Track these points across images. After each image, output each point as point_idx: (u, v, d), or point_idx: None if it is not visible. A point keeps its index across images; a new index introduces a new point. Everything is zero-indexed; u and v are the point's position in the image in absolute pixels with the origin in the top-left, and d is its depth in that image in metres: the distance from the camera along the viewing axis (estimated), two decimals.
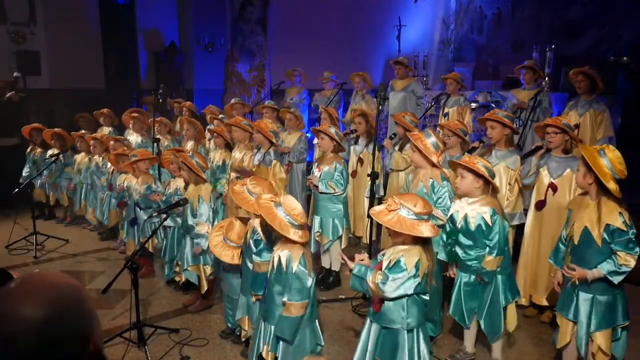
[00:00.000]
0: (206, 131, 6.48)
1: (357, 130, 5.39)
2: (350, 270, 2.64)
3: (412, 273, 2.50)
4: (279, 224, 2.65)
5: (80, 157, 6.33)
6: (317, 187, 4.42)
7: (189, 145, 6.10)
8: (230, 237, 3.31)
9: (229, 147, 5.42)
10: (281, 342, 2.76)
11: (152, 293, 4.61)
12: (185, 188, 4.22)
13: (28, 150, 6.80)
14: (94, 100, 7.97)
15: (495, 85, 9.11)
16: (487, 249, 3.13)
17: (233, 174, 5.15)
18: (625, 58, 8.61)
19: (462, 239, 3.25)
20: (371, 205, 4.05)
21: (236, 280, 3.42)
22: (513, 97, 6.29)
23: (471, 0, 12.28)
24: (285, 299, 2.70)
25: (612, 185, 2.71)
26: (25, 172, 6.68)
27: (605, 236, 2.76)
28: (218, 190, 4.97)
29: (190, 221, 4.05)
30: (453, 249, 3.32)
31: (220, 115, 6.68)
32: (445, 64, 12.33)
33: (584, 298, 2.89)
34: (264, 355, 2.82)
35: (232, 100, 7.27)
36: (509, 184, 4.05)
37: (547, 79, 7.80)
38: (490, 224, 3.10)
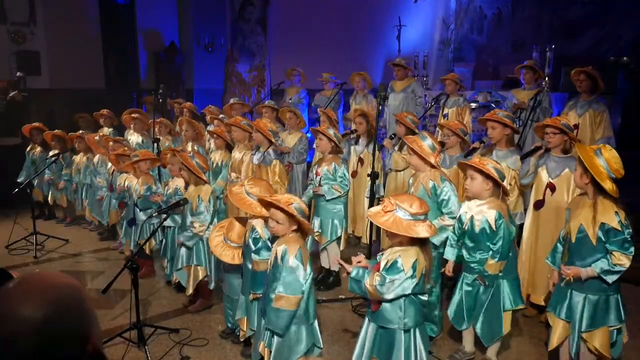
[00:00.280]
0: (206, 132, 6.48)
1: (357, 130, 5.39)
2: (348, 274, 2.64)
3: (409, 274, 2.49)
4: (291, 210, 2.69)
5: (79, 158, 6.34)
6: (323, 195, 4.41)
7: (189, 146, 6.10)
8: (231, 237, 3.32)
9: (229, 147, 5.42)
10: (275, 337, 2.76)
11: (152, 293, 4.61)
12: (186, 188, 4.21)
13: (28, 149, 6.80)
14: (94, 100, 7.97)
15: (495, 85, 9.11)
16: (491, 252, 3.11)
17: (233, 174, 5.16)
18: (625, 58, 8.61)
19: (467, 240, 3.25)
20: (371, 205, 4.05)
21: (236, 280, 3.43)
22: (513, 97, 6.29)
23: (471, 0, 12.28)
24: (277, 291, 2.69)
25: (608, 185, 2.71)
26: (23, 172, 6.66)
27: (601, 235, 2.76)
28: (217, 190, 4.96)
29: (190, 222, 4.05)
30: (460, 250, 3.32)
31: (221, 115, 6.68)
32: (445, 64, 12.33)
33: (576, 297, 2.90)
34: (260, 350, 2.83)
35: (231, 101, 7.26)
36: (510, 184, 4.05)
37: (547, 79, 7.80)
38: (495, 228, 3.08)
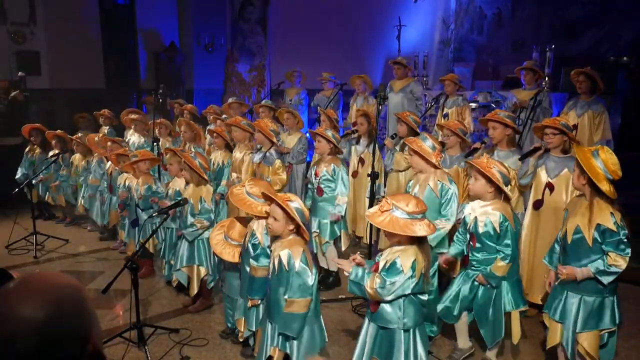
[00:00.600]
0: (206, 132, 6.48)
1: (358, 130, 5.40)
2: (348, 275, 2.64)
3: (408, 274, 2.49)
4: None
5: (78, 158, 6.33)
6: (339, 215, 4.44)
7: (186, 147, 6.10)
8: (232, 235, 3.32)
9: (229, 147, 5.42)
10: (290, 341, 2.77)
11: (152, 293, 4.61)
12: (186, 188, 4.21)
13: (26, 150, 6.79)
14: (94, 100, 7.98)
15: (495, 85, 9.11)
16: (501, 254, 3.09)
17: (234, 175, 5.16)
18: (625, 58, 8.61)
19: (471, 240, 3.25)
20: (371, 205, 4.05)
21: (237, 280, 3.43)
22: (514, 97, 6.30)
23: (471, 0, 12.28)
24: (287, 296, 2.70)
25: (605, 186, 2.71)
26: (20, 172, 6.65)
27: (596, 236, 2.76)
28: (219, 191, 4.96)
29: (190, 222, 4.05)
30: (462, 246, 3.33)
31: (223, 116, 6.68)
32: (445, 64, 12.33)
33: (572, 299, 2.90)
34: (272, 354, 2.82)
35: (230, 100, 7.26)
36: (510, 184, 4.05)
37: (547, 79, 7.80)
38: (498, 230, 3.07)
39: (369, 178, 4.13)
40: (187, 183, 4.17)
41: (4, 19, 8.11)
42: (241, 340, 3.47)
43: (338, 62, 9.41)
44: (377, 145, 4.35)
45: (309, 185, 4.72)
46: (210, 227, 3.95)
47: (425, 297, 2.63)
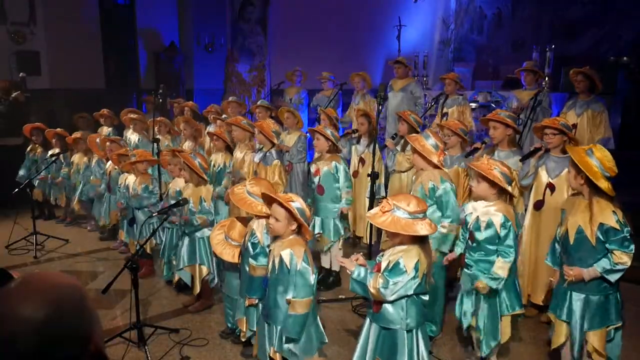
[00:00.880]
0: (206, 132, 6.48)
1: (358, 130, 5.40)
2: (350, 274, 2.63)
3: (412, 274, 2.48)
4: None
5: (77, 158, 6.33)
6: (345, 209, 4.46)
7: (187, 144, 6.10)
8: (232, 235, 3.32)
9: (229, 149, 5.42)
10: (289, 342, 2.76)
11: (152, 293, 4.61)
12: (185, 188, 4.21)
13: (28, 149, 6.80)
14: (94, 100, 7.97)
15: (495, 85, 9.12)
16: (502, 253, 3.06)
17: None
18: (625, 58, 8.61)
19: (469, 240, 3.25)
20: (371, 205, 4.05)
21: (237, 280, 3.43)
22: (514, 97, 6.31)
23: (471, 0, 12.28)
24: (289, 296, 2.69)
25: (603, 184, 2.72)
26: (21, 172, 6.65)
27: (599, 235, 2.77)
28: (218, 191, 4.96)
29: (190, 221, 4.05)
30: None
31: (223, 116, 6.68)
32: (445, 64, 12.33)
33: (576, 298, 2.90)
34: (271, 355, 2.82)
35: (230, 98, 7.26)
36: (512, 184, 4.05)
37: (547, 79, 7.80)
38: (499, 231, 3.06)
39: (369, 178, 4.13)
40: (187, 183, 4.17)
41: (4, 19, 8.10)
42: (243, 340, 3.47)
43: (338, 62, 9.41)
44: (377, 146, 4.35)
45: (310, 185, 4.71)
46: (211, 227, 3.96)
47: (427, 297, 2.63)
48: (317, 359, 2.86)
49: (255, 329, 3.21)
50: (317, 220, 4.50)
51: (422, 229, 2.47)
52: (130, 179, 4.93)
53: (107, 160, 5.64)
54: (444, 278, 3.68)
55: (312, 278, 2.71)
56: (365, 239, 5.22)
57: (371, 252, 4.13)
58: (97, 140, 5.96)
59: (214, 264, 4.10)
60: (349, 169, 5.05)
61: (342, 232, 4.50)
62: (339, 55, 10.20)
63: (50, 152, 6.43)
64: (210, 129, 6.46)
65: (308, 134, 6.36)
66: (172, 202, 4.03)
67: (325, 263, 4.70)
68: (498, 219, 3.07)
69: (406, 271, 2.49)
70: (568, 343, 2.98)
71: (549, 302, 3.76)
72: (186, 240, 4.12)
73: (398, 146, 5.03)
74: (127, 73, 9.69)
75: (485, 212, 3.13)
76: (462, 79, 6.87)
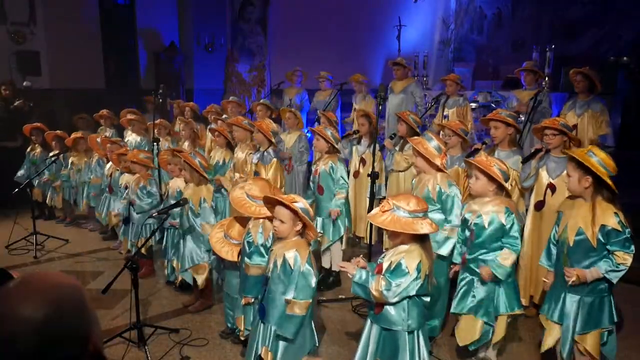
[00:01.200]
0: (207, 131, 6.47)
1: (359, 130, 5.40)
2: (352, 277, 2.62)
3: (414, 275, 2.48)
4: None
5: (77, 158, 6.32)
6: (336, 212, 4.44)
7: (185, 145, 6.10)
8: (231, 233, 3.33)
9: (230, 146, 5.43)
10: (281, 342, 2.76)
11: (152, 293, 4.61)
12: (185, 188, 4.21)
13: (28, 149, 6.80)
14: (94, 101, 7.96)
15: (495, 85, 9.12)
16: (509, 245, 3.08)
17: (237, 175, 5.16)
18: (625, 58, 8.61)
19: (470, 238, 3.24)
20: (371, 205, 4.05)
21: (236, 279, 3.43)
22: (514, 97, 6.31)
23: (471, 0, 12.29)
24: (289, 297, 2.69)
25: (610, 182, 2.73)
26: (20, 172, 6.65)
27: (600, 237, 2.77)
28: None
29: (191, 221, 4.06)
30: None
31: (224, 116, 6.68)
32: (445, 64, 12.34)
33: (571, 300, 2.89)
34: (262, 355, 2.81)
35: (230, 98, 7.26)
36: (510, 185, 4.05)
37: (547, 79, 7.80)
38: (505, 223, 3.07)
39: (369, 178, 4.13)
40: (187, 183, 4.17)
41: (4, 19, 8.10)
42: (242, 339, 3.47)
43: (338, 62, 9.41)
44: (377, 146, 4.35)
45: (311, 185, 4.72)
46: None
47: (428, 299, 2.63)
48: (317, 359, 2.86)
49: (251, 328, 3.22)
50: (318, 220, 4.51)
51: (422, 227, 2.47)
52: (131, 179, 4.93)
53: (108, 160, 5.65)
54: (447, 277, 3.68)
55: (314, 281, 2.70)
56: (366, 239, 5.22)
57: (371, 253, 4.13)
58: (98, 139, 5.96)
59: (215, 263, 4.10)
60: (347, 170, 5.05)
61: (342, 232, 4.50)
62: (339, 55, 10.21)
63: (51, 153, 6.43)
64: (212, 127, 6.45)
65: (309, 133, 6.37)
66: (173, 202, 4.03)
67: (325, 263, 4.70)
68: (502, 213, 3.07)
69: (408, 272, 2.48)
70: (558, 345, 2.98)
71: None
72: (188, 240, 4.12)
73: (396, 146, 5.03)
74: (127, 73, 9.69)
75: (487, 209, 3.14)
76: (462, 79, 6.88)
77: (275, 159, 4.83)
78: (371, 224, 4.12)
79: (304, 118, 7.37)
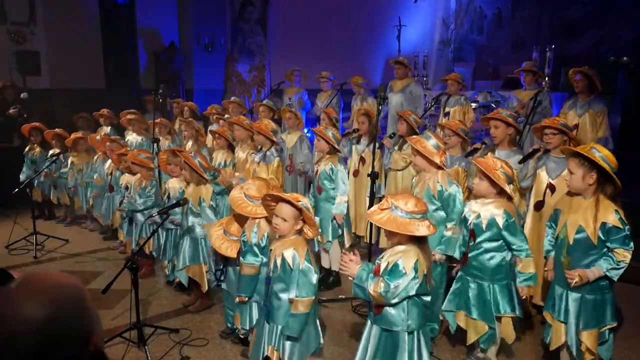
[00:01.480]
0: (207, 132, 6.47)
1: (359, 129, 5.40)
2: (352, 279, 2.61)
3: (411, 275, 2.47)
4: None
5: (77, 158, 6.32)
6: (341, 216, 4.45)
7: (189, 145, 6.10)
8: (230, 230, 3.33)
9: (231, 147, 5.43)
10: (287, 341, 2.76)
11: (152, 293, 4.61)
12: (185, 188, 4.21)
13: (26, 149, 6.78)
14: (94, 100, 7.96)
15: (495, 85, 9.13)
16: (519, 252, 3.09)
17: (237, 174, 5.16)
18: (625, 58, 8.61)
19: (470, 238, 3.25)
20: (371, 204, 4.05)
21: (237, 276, 3.43)
22: (514, 97, 6.31)
23: (471, 0, 12.29)
24: (292, 295, 2.70)
25: (615, 177, 2.74)
26: (23, 174, 6.64)
27: (601, 234, 2.78)
28: (216, 188, 4.95)
29: (191, 221, 4.06)
30: (464, 247, 3.32)
31: (226, 116, 6.68)
32: (445, 64, 12.35)
33: (573, 298, 2.90)
34: (269, 355, 2.82)
35: (232, 98, 7.27)
36: (513, 184, 4.05)
37: (547, 79, 7.80)
38: (502, 227, 3.06)
39: (369, 178, 4.13)
40: (187, 183, 4.17)
41: (4, 19, 8.10)
42: (242, 337, 3.47)
43: (338, 62, 9.42)
44: (377, 145, 4.35)
45: (311, 184, 4.73)
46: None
47: (428, 298, 2.62)
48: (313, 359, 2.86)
49: (247, 327, 3.23)
50: (317, 220, 4.50)
51: (418, 229, 2.44)
52: (131, 179, 4.93)
53: (108, 159, 5.64)
54: (444, 277, 3.68)
55: (315, 278, 2.71)
56: (366, 238, 5.22)
57: (371, 252, 4.13)
58: (98, 138, 5.96)
59: (213, 263, 4.10)
60: (348, 169, 5.04)
61: (340, 232, 4.50)
62: (339, 55, 10.21)
63: (50, 152, 6.43)
64: (212, 128, 6.45)
65: (310, 133, 6.36)
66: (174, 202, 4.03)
67: (325, 263, 4.70)
68: (499, 216, 3.08)
69: (406, 272, 2.47)
70: (564, 345, 2.98)
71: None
72: (187, 240, 4.12)
73: (395, 145, 5.03)
74: (127, 73, 9.68)
75: (486, 209, 3.14)
76: (463, 80, 6.89)
77: (277, 158, 4.84)
78: (371, 224, 4.12)
79: (303, 118, 7.37)
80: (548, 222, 3.20)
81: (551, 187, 3.81)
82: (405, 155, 4.87)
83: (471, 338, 3.27)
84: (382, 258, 2.65)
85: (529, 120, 5.47)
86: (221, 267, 3.55)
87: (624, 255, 2.76)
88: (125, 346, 3.52)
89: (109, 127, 7.15)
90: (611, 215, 2.75)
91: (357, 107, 6.97)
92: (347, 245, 4.62)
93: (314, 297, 2.72)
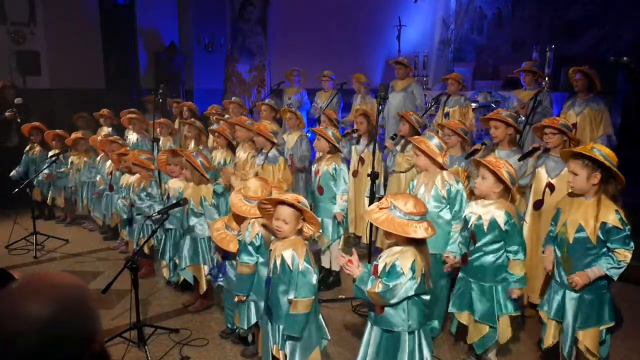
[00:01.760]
0: (207, 131, 6.47)
1: (358, 129, 5.40)
2: (354, 280, 2.61)
3: (409, 276, 2.46)
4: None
5: (76, 158, 6.32)
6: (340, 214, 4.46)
7: (191, 145, 6.10)
8: (232, 225, 3.34)
9: (231, 146, 5.43)
10: (289, 341, 2.77)
11: (152, 293, 4.61)
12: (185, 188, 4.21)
13: (27, 149, 6.78)
14: (94, 100, 7.96)
15: (495, 85, 9.13)
16: (512, 254, 3.08)
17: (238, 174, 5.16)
18: (625, 58, 8.61)
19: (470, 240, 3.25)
20: (371, 204, 4.04)
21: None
22: (514, 97, 6.31)
23: (471, 0, 12.29)
24: (291, 296, 2.70)
25: (619, 174, 2.74)
26: (16, 170, 6.60)
27: (600, 234, 2.78)
28: (217, 189, 4.95)
29: (192, 221, 4.06)
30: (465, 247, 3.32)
31: (226, 115, 6.68)
32: (445, 64, 12.35)
33: (570, 297, 2.90)
34: (274, 353, 2.83)
35: (233, 98, 7.27)
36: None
37: (547, 79, 7.81)
38: (503, 228, 3.06)
39: (369, 178, 4.13)
40: (187, 182, 4.16)
41: (4, 19, 8.10)
42: (243, 336, 3.47)
43: (338, 62, 9.41)
44: (377, 145, 4.35)
45: (311, 184, 4.72)
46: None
47: (427, 297, 2.62)
48: (317, 355, 2.86)
49: (245, 327, 3.25)
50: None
51: (416, 231, 2.42)
52: (131, 179, 4.93)
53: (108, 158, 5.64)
54: (447, 276, 3.68)
55: (314, 278, 2.71)
56: (365, 238, 5.22)
57: (371, 252, 4.13)
58: (98, 138, 5.96)
59: (214, 263, 4.10)
60: (348, 169, 5.04)
61: (341, 233, 4.50)
62: (339, 55, 10.21)
63: (50, 152, 6.43)
64: (212, 128, 6.45)
65: (310, 134, 6.36)
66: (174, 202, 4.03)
67: (325, 263, 4.70)
68: (500, 216, 3.07)
69: (403, 273, 2.47)
70: (560, 344, 2.98)
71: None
72: (188, 240, 4.12)
73: (397, 147, 5.02)
74: (127, 73, 9.68)
75: (487, 210, 3.13)
76: (463, 79, 6.89)
77: (281, 158, 4.84)
78: (370, 224, 4.12)
79: (303, 117, 7.37)
80: (552, 222, 3.19)
81: (550, 186, 3.81)
82: (408, 156, 4.86)
83: (473, 338, 3.26)
84: (379, 258, 2.65)
85: (529, 120, 5.48)
86: (216, 263, 3.56)
87: (625, 255, 2.77)
88: (125, 346, 3.52)
89: (110, 128, 7.15)
90: (612, 215, 2.75)
91: (357, 107, 6.97)
92: (341, 246, 4.62)
93: (313, 298, 2.72)
